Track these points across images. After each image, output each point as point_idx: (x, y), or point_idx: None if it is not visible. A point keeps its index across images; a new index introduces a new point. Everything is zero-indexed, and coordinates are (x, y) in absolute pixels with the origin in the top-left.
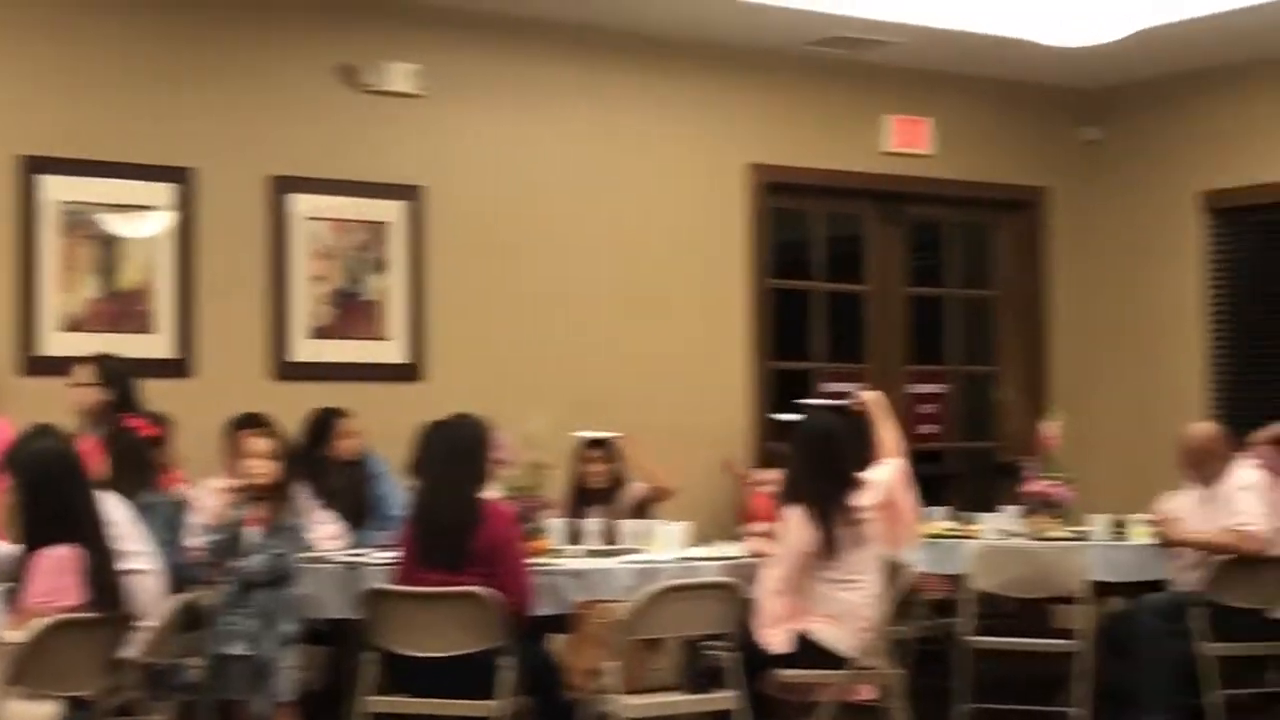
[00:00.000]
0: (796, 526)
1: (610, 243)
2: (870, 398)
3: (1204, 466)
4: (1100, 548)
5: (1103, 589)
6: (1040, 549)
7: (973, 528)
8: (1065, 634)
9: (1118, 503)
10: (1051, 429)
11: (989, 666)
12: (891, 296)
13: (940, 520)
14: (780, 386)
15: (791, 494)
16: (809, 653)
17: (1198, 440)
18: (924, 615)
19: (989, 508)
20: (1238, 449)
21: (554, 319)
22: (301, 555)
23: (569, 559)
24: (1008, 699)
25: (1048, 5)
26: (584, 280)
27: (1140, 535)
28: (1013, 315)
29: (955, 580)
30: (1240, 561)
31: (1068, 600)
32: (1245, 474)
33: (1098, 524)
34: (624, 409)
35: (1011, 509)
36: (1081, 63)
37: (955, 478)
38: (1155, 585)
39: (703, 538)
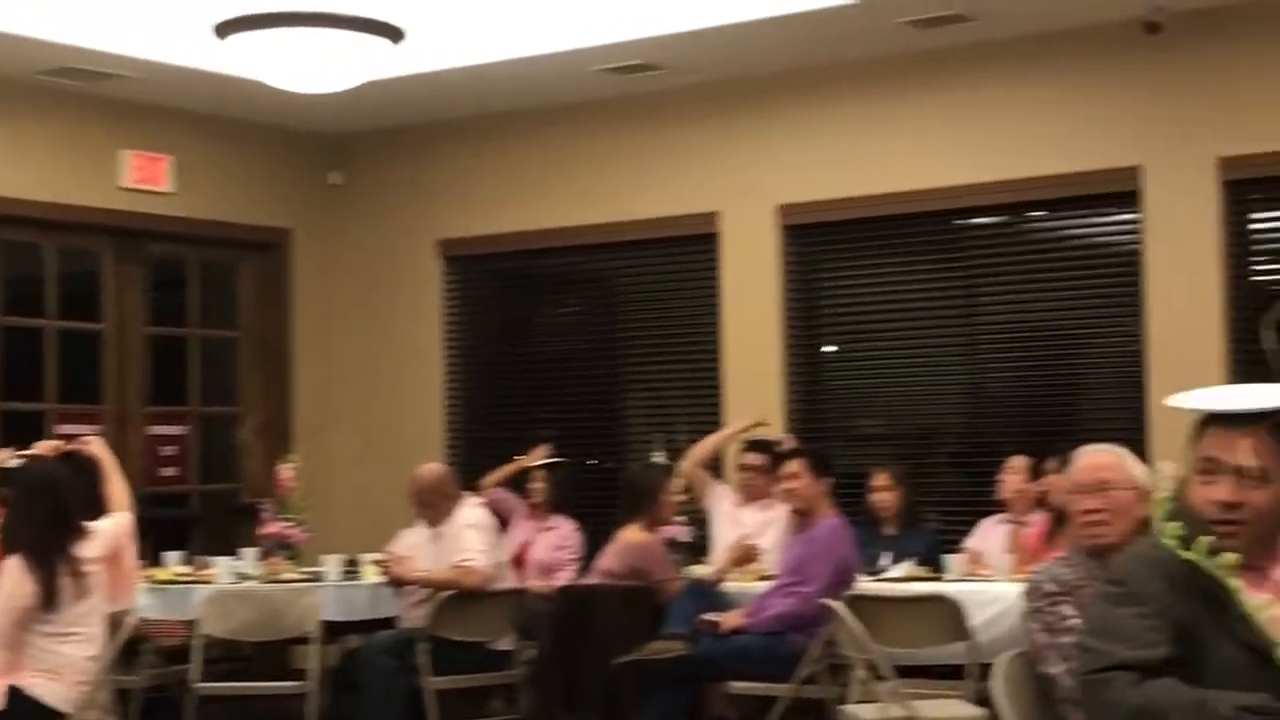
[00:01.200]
0: (15, 577)
1: None
2: (96, 446)
3: (432, 505)
4: (333, 588)
5: (338, 628)
6: (272, 591)
7: (207, 572)
8: (300, 675)
9: (358, 542)
10: (287, 471)
11: (227, 711)
12: (130, 336)
13: (175, 565)
14: (10, 429)
15: (11, 543)
16: (22, 709)
17: (426, 480)
18: (155, 663)
19: (231, 551)
20: (467, 488)
21: None
22: None
23: None
24: None
25: (284, 50)
26: None
27: (372, 574)
28: (256, 356)
29: (189, 626)
30: (463, 597)
31: (303, 641)
32: (471, 513)
33: (330, 564)
34: None
35: (249, 551)
36: (323, 108)
37: (198, 520)
38: (388, 622)
39: None
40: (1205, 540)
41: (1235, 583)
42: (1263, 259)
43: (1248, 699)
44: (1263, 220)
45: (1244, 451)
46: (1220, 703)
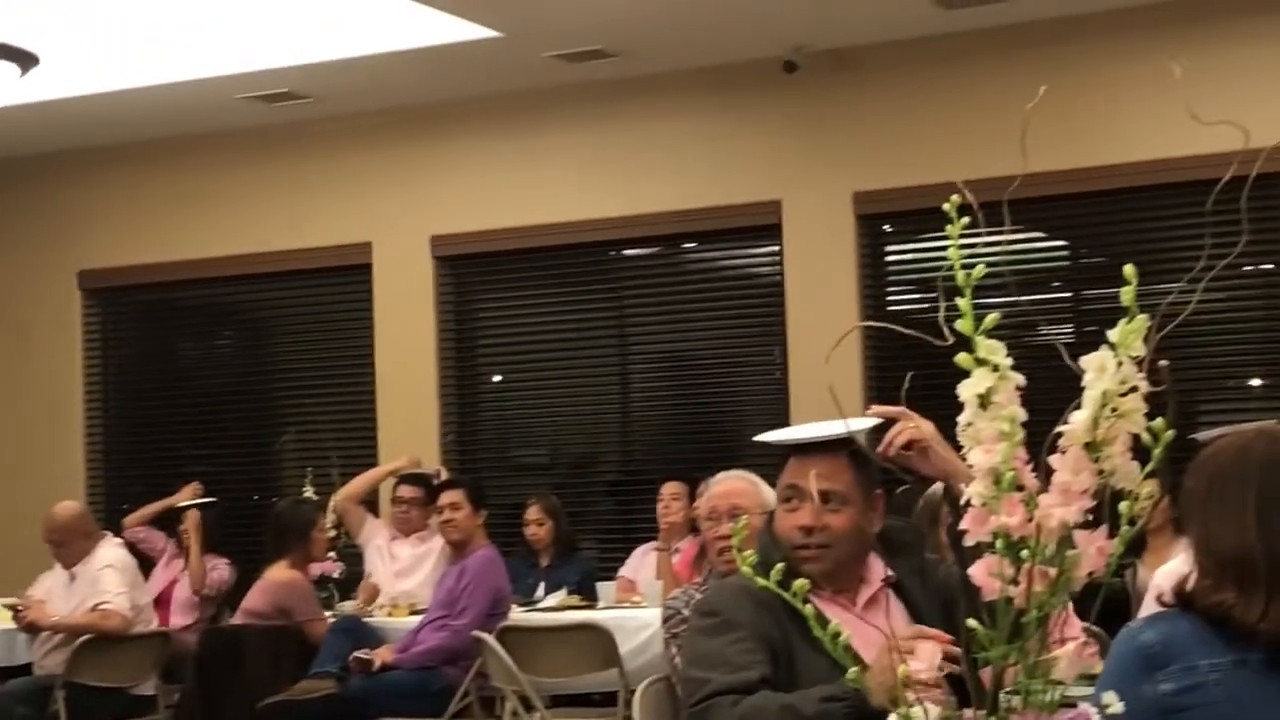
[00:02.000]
0: None
1: None
2: None
3: (67, 545)
4: None
5: None
6: None
7: None
8: None
9: None
10: None
11: None
12: None
13: None
14: None
15: None
16: None
17: (60, 519)
18: None
19: None
20: (109, 528)
21: None
22: None
23: None
24: None
25: None
26: None
27: (4, 620)
28: None
29: None
30: (102, 641)
31: None
32: (109, 553)
33: None
34: None
35: None
36: None
37: None
38: (24, 669)
39: None
40: (779, 566)
41: (807, 609)
42: (897, 289)
43: (828, 689)
44: (896, 252)
45: (819, 478)
46: (806, 700)
